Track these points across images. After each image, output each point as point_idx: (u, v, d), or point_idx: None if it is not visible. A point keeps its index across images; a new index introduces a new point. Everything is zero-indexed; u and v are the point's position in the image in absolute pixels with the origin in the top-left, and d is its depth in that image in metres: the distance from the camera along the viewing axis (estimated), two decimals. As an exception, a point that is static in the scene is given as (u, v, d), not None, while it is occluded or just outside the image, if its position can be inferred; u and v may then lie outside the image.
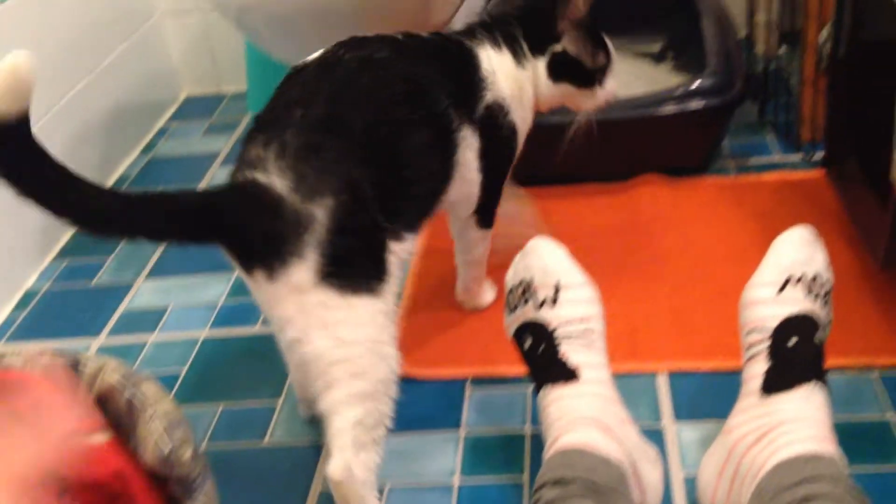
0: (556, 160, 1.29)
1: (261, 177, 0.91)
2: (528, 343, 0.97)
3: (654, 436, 1.03)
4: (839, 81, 1.33)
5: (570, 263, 0.98)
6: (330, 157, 0.93)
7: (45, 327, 1.41)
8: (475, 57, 1.10)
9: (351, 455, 0.91)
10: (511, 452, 1.07)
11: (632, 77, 1.62)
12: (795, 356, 0.90)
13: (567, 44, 1.12)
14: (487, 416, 1.12)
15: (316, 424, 1.14)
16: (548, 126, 1.22)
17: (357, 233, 0.93)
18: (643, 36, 1.77)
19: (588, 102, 1.18)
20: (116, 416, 0.88)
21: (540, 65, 1.13)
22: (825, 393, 0.89)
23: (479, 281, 1.27)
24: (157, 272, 1.50)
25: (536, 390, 0.96)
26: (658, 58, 1.78)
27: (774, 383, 0.89)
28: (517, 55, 1.13)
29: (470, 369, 1.19)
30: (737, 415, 0.91)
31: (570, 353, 0.94)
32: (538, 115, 1.19)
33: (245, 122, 1.97)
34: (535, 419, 1.02)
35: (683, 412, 1.09)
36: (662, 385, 1.13)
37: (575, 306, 0.96)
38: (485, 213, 1.20)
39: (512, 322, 1.00)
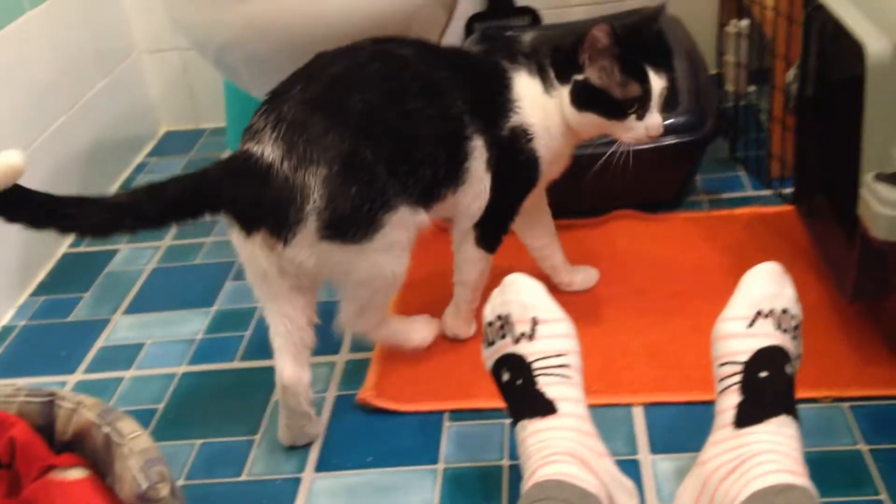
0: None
1: (253, 147, 1.03)
2: (505, 377, 0.98)
3: (631, 467, 1.04)
4: (807, 120, 1.35)
5: (547, 298, 1.00)
6: (317, 131, 1.02)
7: (21, 364, 1.40)
8: (509, 79, 1.16)
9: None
10: (489, 485, 1.07)
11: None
12: (767, 389, 0.92)
13: (590, 73, 1.13)
14: (465, 449, 1.13)
15: (296, 455, 1.14)
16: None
17: (353, 200, 1.03)
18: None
19: (624, 134, 1.15)
20: (94, 452, 0.88)
21: (565, 92, 1.16)
22: (796, 425, 0.91)
23: (470, 306, 1.28)
24: (134, 308, 1.50)
25: (514, 424, 0.97)
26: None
27: (747, 416, 0.91)
28: (546, 83, 1.16)
29: (448, 403, 1.20)
30: (710, 447, 0.92)
31: (548, 386, 0.95)
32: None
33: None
34: (513, 452, 1.02)
35: (659, 444, 1.10)
36: (638, 417, 1.14)
37: (552, 341, 0.97)
38: (486, 232, 1.22)
39: (490, 356, 1.01)
